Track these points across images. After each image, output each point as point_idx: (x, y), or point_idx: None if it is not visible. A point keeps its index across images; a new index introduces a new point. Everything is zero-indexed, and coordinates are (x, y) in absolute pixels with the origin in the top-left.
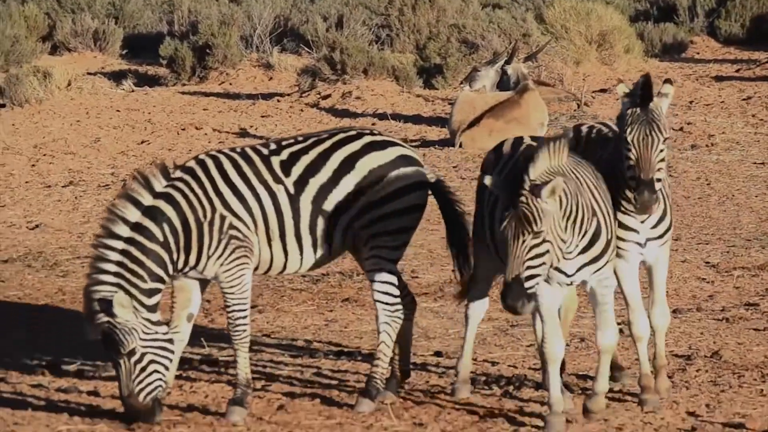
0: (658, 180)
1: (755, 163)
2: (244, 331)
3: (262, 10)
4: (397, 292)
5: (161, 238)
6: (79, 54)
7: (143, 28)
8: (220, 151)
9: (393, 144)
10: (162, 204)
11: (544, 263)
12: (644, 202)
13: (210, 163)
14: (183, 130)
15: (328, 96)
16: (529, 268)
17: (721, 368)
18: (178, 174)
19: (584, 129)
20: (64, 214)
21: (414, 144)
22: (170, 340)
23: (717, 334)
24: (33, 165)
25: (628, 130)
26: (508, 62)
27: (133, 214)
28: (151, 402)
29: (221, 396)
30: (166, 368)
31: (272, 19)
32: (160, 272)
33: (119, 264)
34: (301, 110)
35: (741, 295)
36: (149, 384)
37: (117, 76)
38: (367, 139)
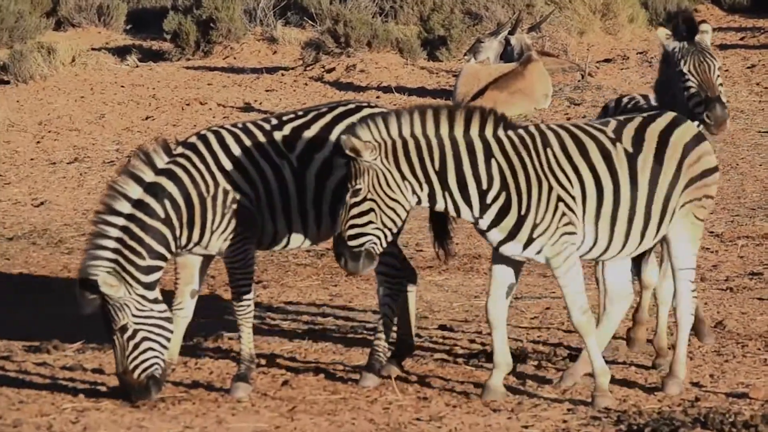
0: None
1: (759, 131)
2: (248, 306)
3: None
4: (398, 264)
5: (162, 215)
6: (84, 29)
7: (147, 3)
8: (222, 126)
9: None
10: (164, 180)
11: (370, 222)
12: (717, 117)
13: (212, 138)
14: (187, 105)
15: (332, 69)
16: (352, 227)
17: (725, 338)
18: (180, 150)
19: (624, 100)
20: (69, 191)
21: None
22: (168, 318)
23: (721, 303)
24: (38, 142)
25: (683, 62)
26: (511, 33)
27: (135, 191)
28: (146, 379)
29: (226, 372)
30: (163, 346)
31: None
32: (161, 249)
33: (118, 240)
34: (306, 84)
35: (745, 264)
36: (143, 361)
37: (121, 52)
38: (366, 111)
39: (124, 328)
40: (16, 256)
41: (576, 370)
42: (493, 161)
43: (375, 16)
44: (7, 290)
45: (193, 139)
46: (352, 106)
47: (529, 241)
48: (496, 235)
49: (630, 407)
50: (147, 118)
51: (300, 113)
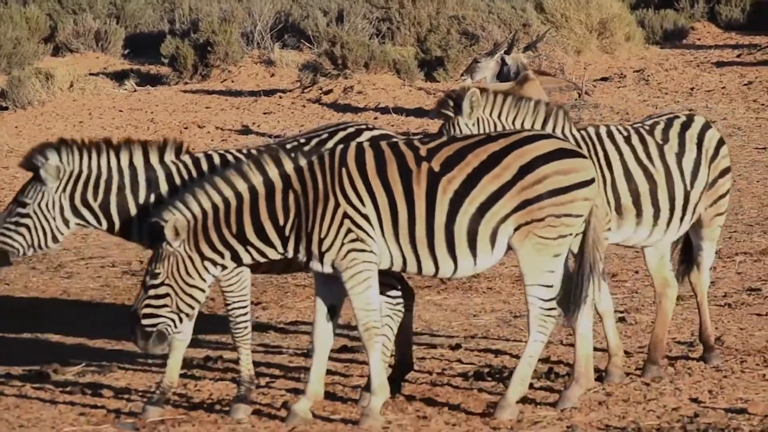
0: None
1: (756, 148)
2: (245, 328)
3: (262, 6)
4: (396, 284)
5: None
6: (81, 55)
7: (145, 27)
8: (227, 150)
9: (391, 138)
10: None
11: (165, 305)
12: None
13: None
14: (186, 128)
15: (330, 91)
16: (147, 306)
17: (724, 354)
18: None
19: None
20: None
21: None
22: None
23: (719, 319)
24: None
25: None
26: (507, 53)
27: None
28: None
29: (225, 393)
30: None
31: (273, 15)
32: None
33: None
34: (303, 106)
35: (743, 280)
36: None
37: (119, 76)
38: (366, 134)
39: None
40: (15, 281)
41: (572, 393)
42: (290, 194)
43: (372, 37)
44: (6, 315)
45: (199, 155)
46: (352, 129)
47: (320, 256)
48: (301, 257)
49: (629, 423)
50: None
51: (301, 139)
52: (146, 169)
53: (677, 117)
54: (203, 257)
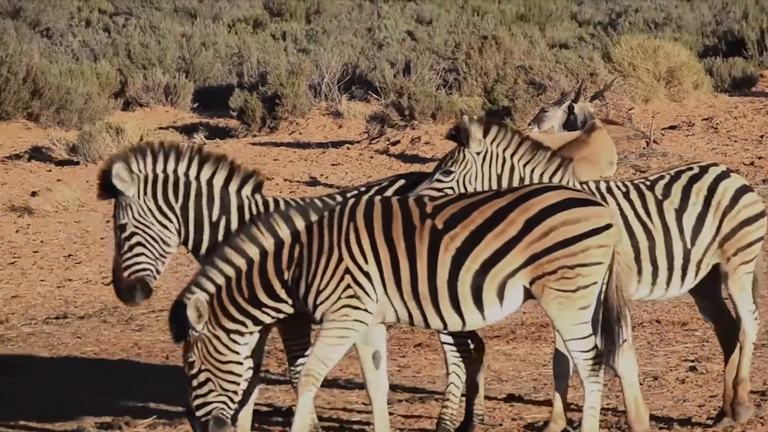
0: None
1: None
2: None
3: (330, 58)
4: (465, 334)
5: None
6: (151, 109)
7: (213, 81)
8: (293, 200)
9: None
10: None
11: (210, 391)
12: None
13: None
14: None
15: (398, 142)
16: (195, 398)
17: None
18: None
19: None
20: None
21: None
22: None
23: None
24: (108, 221)
25: None
26: (574, 102)
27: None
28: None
29: None
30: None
31: (340, 67)
32: None
33: None
34: (371, 157)
35: None
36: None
37: (188, 130)
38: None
39: (123, 228)
40: (87, 334)
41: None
42: (296, 249)
43: (439, 88)
44: (79, 368)
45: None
46: (413, 178)
47: (314, 306)
48: (299, 307)
49: None
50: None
51: (362, 189)
52: (222, 192)
53: (689, 169)
54: (228, 332)
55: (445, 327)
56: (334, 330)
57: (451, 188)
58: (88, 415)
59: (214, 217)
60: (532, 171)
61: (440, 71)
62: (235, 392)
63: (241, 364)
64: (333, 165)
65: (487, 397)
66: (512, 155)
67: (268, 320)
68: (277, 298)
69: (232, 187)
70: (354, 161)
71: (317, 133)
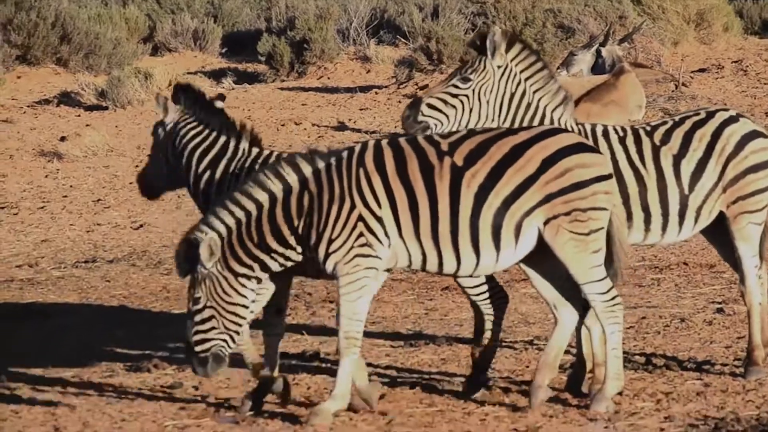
0: None
1: None
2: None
3: (358, 3)
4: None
5: None
6: (180, 54)
7: (242, 26)
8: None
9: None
10: None
11: (213, 328)
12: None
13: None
14: (282, 125)
15: (426, 86)
16: (196, 333)
17: None
18: None
19: None
20: (167, 213)
21: None
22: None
23: None
24: (136, 166)
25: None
26: (602, 45)
27: None
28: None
29: (323, 387)
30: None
31: (368, 12)
32: None
33: None
34: (399, 102)
35: None
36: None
37: (217, 75)
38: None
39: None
40: (116, 278)
41: (605, 392)
42: (305, 196)
43: (467, 32)
44: (108, 311)
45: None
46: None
47: (326, 256)
48: (309, 254)
49: (728, 414)
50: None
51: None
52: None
53: (696, 114)
54: (236, 275)
55: (458, 270)
56: (350, 283)
57: (466, 96)
58: (117, 357)
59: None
60: (539, 100)
61: (468, 15)
62: (237, 333)
63: (246, 307)
64: (361, 110)
65: (514, 341)
66: (527, 79)
67: (276, 267)
68: (286, 244)
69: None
70: (382, 106)
71: (345, 78)
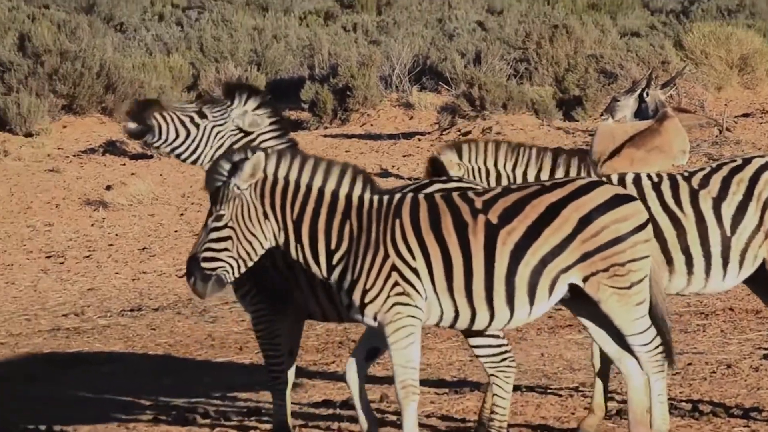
0: None
1: None
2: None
3: (400, 49)
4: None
5: None
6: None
7: (285, 74)
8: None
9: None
10: None
11: (226, 249)
12: None
13: None
14: None
15: (469, 132)
16: (208, 249)
17: None
18: None
19: None
20: None
21: None
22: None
23: None
24: (181, 214)
25: None
26: (645, 90)
27: None
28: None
29: None
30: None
31: (411, 58)
32: None
33: None
34: None
35: None
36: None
37: None
38: (453, 184)
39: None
40: (161, 326)
41: None
42: (347, 222)
43: (509, 78)
44: (153, 359)
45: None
46: (426, 181)
47: (362, 306)
48: (342, 298)
49: None
50: None
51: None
52: None
53: (732, 161)
54: (266, 215)
55: (490, 324)
56: (397, 332)
57: None
58: (163, 406)
59: None
60: (524, 173)
61: (511, 61)
62: (245, 262)
63: (262, 246)
64: (404, 156)
65: (560, 387)
66: (495, 164)
67: (294, 255)
68: (316, 257)
69: None
70: (425, 152)
71: (388, 125)
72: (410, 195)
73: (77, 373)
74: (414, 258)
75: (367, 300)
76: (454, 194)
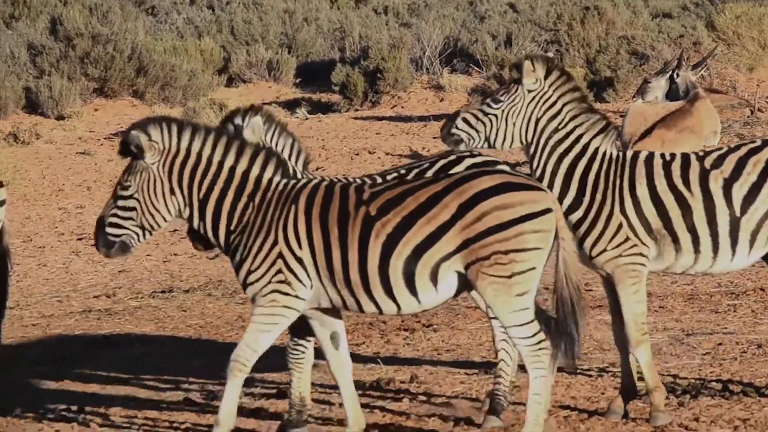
0: None
1: None
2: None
3: (431, 31)
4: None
5: None
6: (254, 84)
7: (315, 56)
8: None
9: (495, 164)
10: None
11: (130, 218)
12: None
13: None
14: (357, 155)
15: None
16: (113, 215)
17: None
18: None
19: None
20: None
21: None
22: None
23: None
24: None
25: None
26: (676, 71)
27: None
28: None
29: (399, 415)
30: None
31: (441, 40)
32: None
33: None
34: None
35: None
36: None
37: (291, 105)
38: (468, 161)
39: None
40: (192, 308)
41: None
42: (251, 204)
43: None
44: (184, 341)
45: None
46: (453, 157)
47: (244, 284)
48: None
49: None
50: (317, 169)
51: (402, 171)
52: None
53: (752, 142)
54: (171, 189)
55: (381, 312)
56: (264, 316)
57: (495, 116)
58: (194, 386)
59: None
60: (575, 127)
61: (542, 43)
62: (149, 232)
63: (165, 220)
64: (434, 138)
65: (589, 368)
66: (564, 104)
67: (195, 225)
68: (216, 233)
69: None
70: None
71: (419, 107)
72: (314, 182)
73: (108, 355)
74: (300, 247)
75: (249, 280)
76: (353, 184)
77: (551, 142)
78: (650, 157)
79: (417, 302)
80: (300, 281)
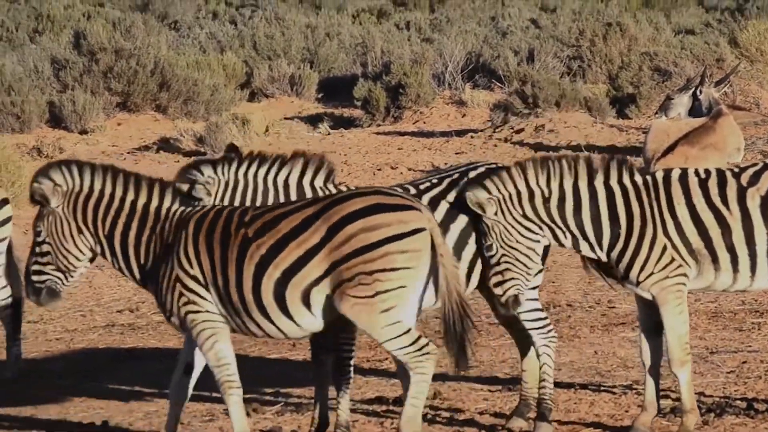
0: None
1: None
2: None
3: (453, 47)
4: (543, 313)
5: None
6: (276, 99)
7: (338, 71)
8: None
9: None
10: None
11: (48, 263)
12: None
13: None
14: (379, 170)
15: (521, 130)
16: (35, 263)
17: None
18: None
19: None
20: None
21: None
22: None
23: None
24: None
25: None
26: (699, 87)
27: None
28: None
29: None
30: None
31: (463, 56)
32: None
33: None
34: (495, 145)
35: None
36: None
37: (313, 120)
38: (481, 169)
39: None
40: None
41: None
42: (153, 236)
43: (563, 75)
44: None
45: None
46: (482, 168)
47: (166, 316)
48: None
49: None
50: (340, 184)
51: (434, 180)
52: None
53: None
54: (78, 228)
55: (266, 335)
56: (198, 335)
57: None
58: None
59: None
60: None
61: (564, 59)
62: (71, 273)
63: (81, 257)
64: (456, 153)
65: (613, 385)
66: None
67: (109, 259)
68: (129, 267)
69: (306, 179)
70: (478, 150)
71: (441, 122)
72: (207, 207)
73: (131, 369)
74: (192, 267)
75: (167, 310)
76: (239, 208)
77: None
78: (684, 175)
79: (296, 326)
80: (203, 298)
